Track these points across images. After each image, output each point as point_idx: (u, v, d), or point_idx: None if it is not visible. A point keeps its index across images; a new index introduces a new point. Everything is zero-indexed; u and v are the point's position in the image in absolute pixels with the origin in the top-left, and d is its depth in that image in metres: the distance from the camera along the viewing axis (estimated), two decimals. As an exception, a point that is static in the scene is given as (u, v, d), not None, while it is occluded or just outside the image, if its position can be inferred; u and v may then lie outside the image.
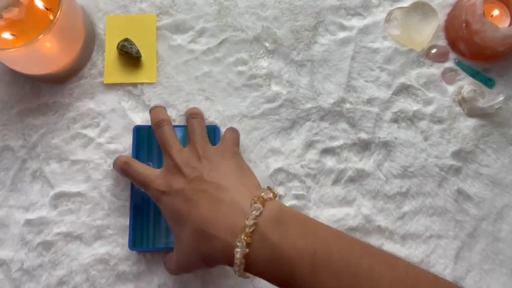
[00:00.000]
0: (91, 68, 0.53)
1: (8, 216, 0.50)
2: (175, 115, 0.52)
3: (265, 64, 0.54)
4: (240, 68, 0.54)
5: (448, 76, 0.54)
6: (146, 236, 0.48)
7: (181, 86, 0.53)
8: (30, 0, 0.49)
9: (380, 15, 0.55)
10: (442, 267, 0.50)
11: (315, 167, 0.52)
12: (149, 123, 0.52)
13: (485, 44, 0.51)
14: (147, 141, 0.51)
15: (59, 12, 0.45)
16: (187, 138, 0.48)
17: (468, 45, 0.53)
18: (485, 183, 0.52)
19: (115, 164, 0.49)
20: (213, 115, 0.52)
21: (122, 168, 0.47)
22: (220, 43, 0.54)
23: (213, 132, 0.51)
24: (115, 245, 0.49)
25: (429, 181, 0.52)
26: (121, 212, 0.50)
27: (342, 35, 0.55)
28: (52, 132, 0.52)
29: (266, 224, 0.37)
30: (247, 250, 0.36)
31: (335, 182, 0.52)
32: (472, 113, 0.53)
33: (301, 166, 0.52)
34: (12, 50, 0.44)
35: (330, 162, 0.52)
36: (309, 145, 0.52)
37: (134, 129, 0.51)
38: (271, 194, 0.39)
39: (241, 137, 0.52)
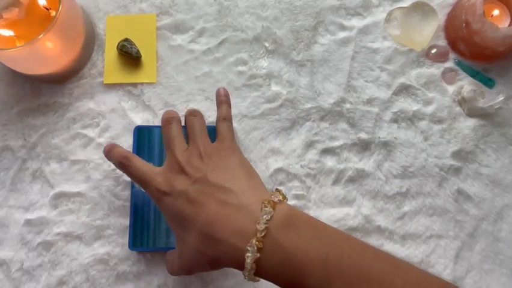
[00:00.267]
0: (91, 68, 0.53)
1: (8, 216, 0.50)
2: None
3: (265, 64, 0.54)
4: (240, 68, 0.54)
5: (447, 76, 0.54)
6: (146, 236, 0.48)
7: (181, 86, 0.53)
8: (30, 0, 0.49)
9: (380, 15, 0.56)
10: (442, 267, 0.50)
11: (315, 167, 0.52)
12: (149, 124, 0.52)
13: (485, 44, 0.51)
14: (148, 141, 0.50)
15: (59, 12, 0.45)
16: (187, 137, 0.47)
17: (468, 45, 0.53)
18: (485, 183, 0.52)
19: (111, 155, 0.46)
20: (213, 115, 0.52)
21: (121, 163, 0.45)
22: (220, 43, 0.54)
23: (213, 132, 0.50)
24: (114, 245, 0.49)
25: (429, 181, 0.52)
26: (121, 212, 0.50)
27: (342, 35, 0.55)
28: (52, 132, 0.52)
29: (277, 228, 0.36)
30: (258, 255, 0.35)
31: (335, 182, 0.52)
32: (472, 113, 0.53)
33: (301, 166, 0.52)
34: (13, 50, 0.44)
35: (330, 162, 0.52)
36: (309, 145, 0.52)
37: (135, 129, 0.51)
38: (281, 197, 0.38)
39: (241, 137, 0.52)
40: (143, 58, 0.53)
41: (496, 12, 0.53)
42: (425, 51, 0.55)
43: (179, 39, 0.54)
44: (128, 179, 0.50)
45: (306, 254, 0.35)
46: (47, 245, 0.49)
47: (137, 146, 0.50)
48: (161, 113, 0.52)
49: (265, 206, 0.37)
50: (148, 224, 0.48)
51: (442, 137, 0.53)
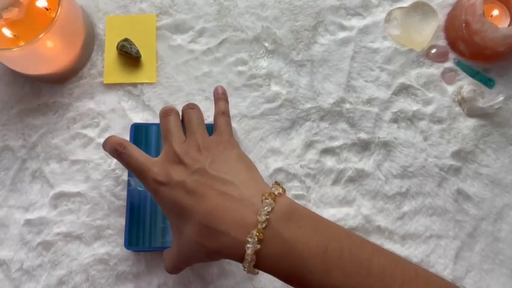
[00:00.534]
0: (90, 68, 0.53)
1: (8, 216, 0.50)
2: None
3: (265, 64, 0.54)
4: (240, 68, 0.54)
5: (447, 76, 0.54)
6: (142, 235, 0.48)
7: (181, 86, 0.53)
8: (30, 0, 0.49)
9: (380, 15, 0.56)
10: (442, 267, 0.50)
11: (314, 167, 0.52)
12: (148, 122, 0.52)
13: (485, 44, 0.51)
14: (145, 139, 0.50)
15: (59, 12, 0.45)
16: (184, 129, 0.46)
17: (468, 45, 0.53)
18: (485, 183, 0.52)
19: (106, 143, 0.44)
20: (212, 115, 0.52)
21: (116, 150, 0.43)
22: (220, 43, 0.54)
23: (211, 130, 0.50)
24: (114, 245, 0.49)
25: (429, 181, 0.52)
26: (120, 212, 0.50)
27: (342, 35, 0.55)
28: (52, 132, 0.52)
29: (278, 220, 0.36)
30: (258, 246, 0.35)
31: (335, 182, 0.52)
32: (471, 113, 0.53)
33: (301, 166, 0.52)
34: (12, 50, 0.44)
35: (329, 162, 0.52)
36: (309, 145, 0.52)
37: (131, 126, 0.50)
38: (281, 189, 0.38)
39: (241, 137, 0.52)
40: (143, 58, 0.54)
41: (495, 12, 0.53)
42: (425, 51, 0.55)
43: (179, 39, 0.54)
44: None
45: (307, 246, 0.35)
46: (47, 245, 0.49)
47: (134, 143, 0.50)
48: (161, 113, 0.52)
49: (266, 198, 0.37)
50: (144, 223, 0.48)
51: (442, 137, 0.53)
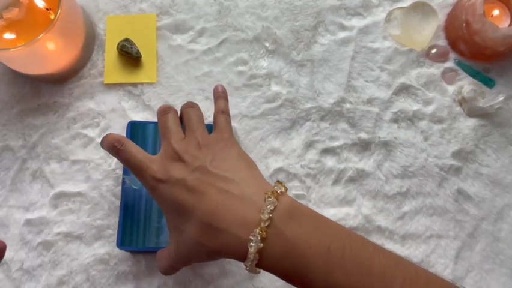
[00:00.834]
0: (91, 68, 0.53)
1: (8, 216, 0.50)
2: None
3: (265, 64, 0.54)
4: (240, 68, 0.54)
5: (448, 76, 0.54)
6: (136, 235, 0.47)
7: (181, 86, 0.53)
8: (31, 0, 0.49)
9: (380, 15, 0.56)
10: (442, 267, 0.50)
11: (315, 167, 0.52)
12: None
13: (485, 44, 0.51)
14: (141, 137, 0.49)
15: (59, 12, 0.45)
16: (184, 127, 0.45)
17: (468, 45, 0.53)
18: (485, 183, 0.52)
19: (104, 141, 0.43)
20: (212, 115, 0.52)
21: (114, 147, 0.42)
22: (220, 43, 0.54)
23: (210, 130, 0.49)
24: (115, 245, 0.49)
25: (429, 181, 0.52)
26: (121, 212, 0.50)
27: (342, 35, 0.55)
28: (52, 132, 0.52)
29: (281, 218, 0.36)
30: (261, 245, 0.35)
31: (335, 182, 0.52)
32: (472, 113, 0.53)
33: (301, 166, 0.52)
34: (13, 50, 0.44)
35: (330, 162, 0.52)
36: (309, 145, 0.52)
37: (128, 124, 0.49)
38: (283, 188, 0.38)
39: (241, 137, 0.52)
40: (143, 58, 0.53)
41: (496, 12, 0.53)
42: (425, 51, 0.55)
43: (179, 39, 0.54)
44: (128, 179, 0.50)
45: (309, 245, 0.35)
46: (47, 245, 0.49)
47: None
48: (161, 113, 0.52)
49: (269, 197, 0.36)
50: (138, 223, 0.47)
51: (442, 137, 0.53)
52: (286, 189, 0.38)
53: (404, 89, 0.54)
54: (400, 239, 0.51)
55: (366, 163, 0.52)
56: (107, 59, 0.53)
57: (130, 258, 0.49)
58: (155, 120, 0.49)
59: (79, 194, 0.50)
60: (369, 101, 0.53)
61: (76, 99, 0.53)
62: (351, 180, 0.52)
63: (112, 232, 0.49)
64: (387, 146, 0.53)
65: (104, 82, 0.53)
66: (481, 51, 0.53)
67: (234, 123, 0.52)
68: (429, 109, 0.53)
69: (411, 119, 0.53)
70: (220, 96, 0.47)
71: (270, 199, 0.36)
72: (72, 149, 0.51)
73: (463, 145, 0.53)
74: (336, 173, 0.52)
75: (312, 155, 0.52)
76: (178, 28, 0.55)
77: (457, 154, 0.52)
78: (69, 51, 0.50)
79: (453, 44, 0.55)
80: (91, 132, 0.52)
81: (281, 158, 0.52)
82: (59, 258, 0.49)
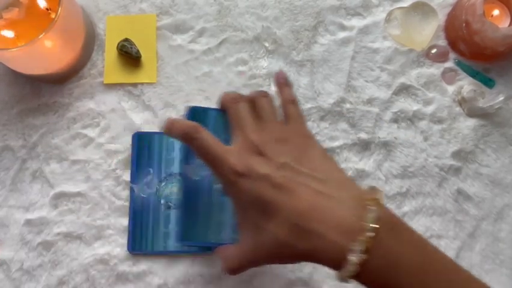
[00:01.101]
0: (90, 68, 0.53)
1: (8, 216, 0.50)
2: (175, 115, 0.52)
3: (265, 64, 0.54)
4: (240, 68, 0.54)
5: (447, 76, 0.54)
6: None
7: (181, 86, 0.53)
8: (31, 0, 0.49)
9: (380, 15, 0.55)
10: (442, 267, 0.50)
11: (315, 167, 0.52)
12: (149, 124, 0.52)
13: (485, 44, 0.51)
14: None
15: (59, 12, 0.45)
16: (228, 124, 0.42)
17: (468, 45, 0.53)
18: (485, 183, 0.52)
19: (172, 126, 0.39)
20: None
21: (187, 134, 0.38)
22: (220, 43, 0.54)
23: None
24: (114, 245, 0.49)
25: (429, 181, 0.52)
26: (121, 212, 0.50)
27: (342, 35, 0.55)
28: (52, 132, 0.52)
29: (384, 230, 0.33)
30: (365, 256, 0.32)
31: (335, 182, 0.52)
32: (472, 113, 0.53)
33: (301, 166, 0.52)
34: (13, 50, 0.44)
35: (330, 162, 0.52)
36: (309, 145, 0.52)
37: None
38: (380, 195, 0.35)
39: (241, 137, 0.52)
40: (143, 58, 0.53)
41: (496, 12, 0.53)
42: (425, 51, 0.55)
43: (179, 39, 0.54)
44: (128, 178, 0.50)
45: (408, 260, 0.33)
46: (47, 245, 0.49)
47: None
48: (161, 113, 0.52)
49: (369, 205, 0.34)
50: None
51: (442, 137, 0.53)
52: (381, 198, 0.35)
53: (404, 89, 0.54)
54: (400, 239, 0.51)
55: (366, 163, 0.52)
56: (107, 59, 0.53)
57: (130, 258, 0.49)
58: (157, 121, 0.50)
59: (78, 194, 0.50)
60: (369, 101, 0.53)
61: (76, 99, 0.53)
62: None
63: (112, 232, 0.50)
64: (387, 146, 0.53)
65: (104, 82, 0.53)
66: (481, 51, 0.53)
67: (234, 123, 0.52)
68: (429, 109, 0.53)
69: (411, 119, 0.53)
70: (283, 83, 0.44)
71: (371, 207, 0.33)
72: (72, 149, 0.51)
73: (463, 145, 0.53)
74: (336, 173, 0.52)
75: (312, 155, 0.52)
76: (178, 28, 0.55)
77: (456, 154, 0.52)
78: (69, 51, 0.50)
79: (453, 44, 0.55)
80: (91, 132, 0.52)
81: (281, 158, 0.52)
82: (59, 258, 0.49)
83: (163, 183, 0.50)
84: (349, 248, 0.32)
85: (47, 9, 0.50)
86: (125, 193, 0.50)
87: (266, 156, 0.37)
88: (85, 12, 0.54)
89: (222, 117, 0.43)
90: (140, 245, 0.49)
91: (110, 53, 0.54)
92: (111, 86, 0.53)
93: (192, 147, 0.38)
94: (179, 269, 0.49)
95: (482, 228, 0.51)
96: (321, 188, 0.35)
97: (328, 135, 0.53)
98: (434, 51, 0.54)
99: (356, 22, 0.55)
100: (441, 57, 0.55)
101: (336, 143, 0.52)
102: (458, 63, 0.54)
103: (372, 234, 0.32)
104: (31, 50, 0.45)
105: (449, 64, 0.55)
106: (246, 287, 0.49)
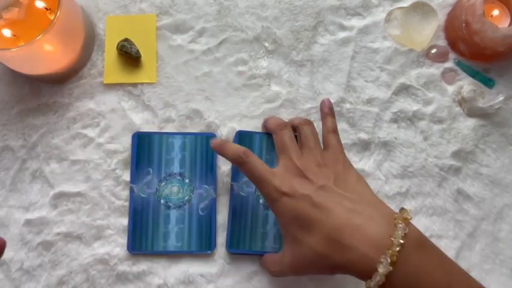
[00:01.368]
0: (90, 68, 0.53)
1: (8, 216, 0.50)
2: (175, 115, 0.52)
3: (265, 64, 0.54)
4: (240, 68, 0.54)
5: (447, 76, 0.54)
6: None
7: (181, 86, 0.53)
8: (30, 0, 0.49)
9: (380, 15, 0.55)
10: (442, 267, 0.50)
11: (315, 167, 0.52)
12: (148, 124, 0.52)
13: (485, 44, 0.51)
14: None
15: (59, 12, 0.45)
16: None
17: (468, 45, 0.53)
18: (485, 183, 0.52)
19: (227, 148, 0.45)
20: (212, 115, 0.52)
21: (239, 158, 0.44)
22: (220, 43, 0.54)
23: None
24: (114, 245, 0.49)
25: (429, 181, 0.52)
26: (121, 212, 0.50)
27: (342, 35, 0.55)
28: (52, 132, 0.52)
29: (410, 246, 0.37)
30: (391, 268, 0.36)
31: (335, 182, 0.52)
32: (471, 113, 0.53)
33: (301, 166, 0.52)
34: (12, 50, 0.44)
35: (330, 162, 0.52)
36: (309, 145, 0.52)
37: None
38: (409, 216, 0.39)
39: (241, 137, 0.52)
40: (143, 58, 0.53)
41: (496, 12, 0.53)
42: (425, 51, 0.55)
43: (179, 39, 0.54)
44: (128, 178, 0.50)
45: (432, 278, 0.37)
46: (47, 245, 0.49)
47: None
48: (161, 113, 0.52)
49: (399, 223, 0.38)
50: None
51: (442, 137, 0.53)
52: (411, 218, 0.39)
53: (404, 89, 0.54)
54: (400, 239, 0.51)
55: (366, 163, 0.52)
56: (107, 59, 0.53)
57: (130, 258, 0.49)
58: (157, 121, 0.50)
59: (78, 194, 0.50)
60: (369, 101, 0.53)
61: (75, 99, 0.53)
62: (351, 180, 0.52)
63: (112, 232, 0.50)
64: (387, 146, 0.53)
65: (104, 82, 0.53)
66: (481, 51, 0.53)
67: (234, 124, 0.52)
68: (429, 109, 0.53)
69: (411, 119, 0.53)
70: (327, 113, 0.48)
71: (400, 225, 0.38)
72: (72, 149, 0.51)
73: (463, 145, 0.53)
74: (336, 173, 0.52)
75: (312, 155, 0.52)
76: (178, 28, 0.55)
77: (456, 154, 0.52)
78: (69, 51, 0.50)
79: (453, 44, 0.55)
80: (91, 132, 0.52)
81: (281, 158, 0.52)
82: (58, 258, 0.49)
83: (162, 183, 0.50)
84: (378, 260, 0.36)
85: (47, 9, 0.50)
86: (125, 193, 0.50)
87: (307, 178, 0.43)
88: (85, 12, 0.54)
89: (265, 139, 0.51)
90: (140, 245, 0.49)
91: (110, 53, 0.54)
92: (111, 86, 0.53)
93: (242, 169, 0.44)
94: (179, 269, 0.49)
95: (482, 228, 0.51)
96: (355, 207, 0.40)
97: (328, 135, 0.53)
98: (434, 51, 0.54)
99: (356, 22, 0.55)
100: (441, 57, 0.55)
101: (336, 143, 0.52)
102: (458, 63, 0.54)
103: (399, 248, 0.36)
104: (31, 50, 0.45)
105: (449, 64, 0.55)
106: (246, 287, 0.49)
